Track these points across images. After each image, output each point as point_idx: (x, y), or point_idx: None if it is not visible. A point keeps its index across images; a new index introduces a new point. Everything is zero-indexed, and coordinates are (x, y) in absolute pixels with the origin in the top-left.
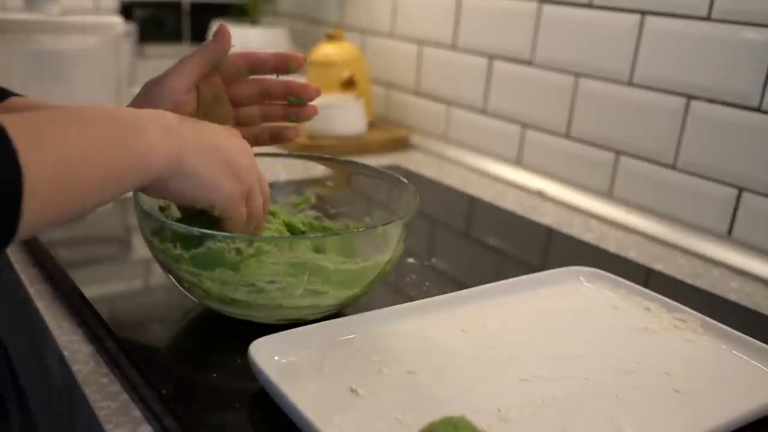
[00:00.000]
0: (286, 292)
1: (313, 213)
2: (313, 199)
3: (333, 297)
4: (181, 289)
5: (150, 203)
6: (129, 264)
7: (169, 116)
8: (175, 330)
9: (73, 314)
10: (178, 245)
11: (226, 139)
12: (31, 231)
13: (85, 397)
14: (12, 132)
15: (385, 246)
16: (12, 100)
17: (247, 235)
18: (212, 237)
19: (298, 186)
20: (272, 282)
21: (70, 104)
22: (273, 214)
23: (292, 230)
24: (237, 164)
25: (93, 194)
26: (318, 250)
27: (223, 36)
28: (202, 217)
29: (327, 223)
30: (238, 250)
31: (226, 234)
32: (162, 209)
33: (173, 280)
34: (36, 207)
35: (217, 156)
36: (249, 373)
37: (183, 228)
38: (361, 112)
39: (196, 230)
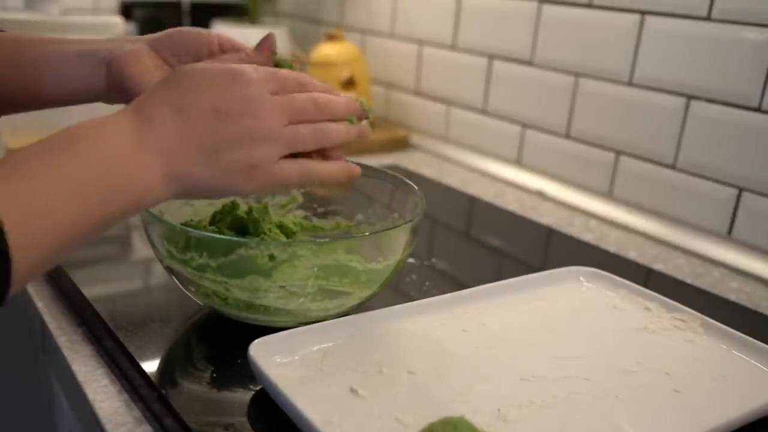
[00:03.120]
0: (316, 295)
1: (300, 213)
2: (300, 199)
3: (357, 297)
4: (191, 296)
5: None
6: (129, 264)
7: (151, 114)
8: (175, 330)
9: (73, 314)
10: (204, 254)
11: (221, 106)
12: (24, 285)
13: (85, 397)
14: None
15: (399, 243)
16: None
17: (281, 240)
18: (244, 244)
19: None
20: (302, 286)
21: (45, 144)
22: (263, 214)
23: (285, 231)
24: (250, 133)
25: (89, 237)
26: (333, 251)
27: (266, 48)
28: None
29: (317, 222)
30: (272, 256)
31: (260, 240)
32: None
33: (180, 286)
34: (26, 273)
35: (220, 146)
36: (249, 373)
37: (212, 237)
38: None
39: (231, 238)
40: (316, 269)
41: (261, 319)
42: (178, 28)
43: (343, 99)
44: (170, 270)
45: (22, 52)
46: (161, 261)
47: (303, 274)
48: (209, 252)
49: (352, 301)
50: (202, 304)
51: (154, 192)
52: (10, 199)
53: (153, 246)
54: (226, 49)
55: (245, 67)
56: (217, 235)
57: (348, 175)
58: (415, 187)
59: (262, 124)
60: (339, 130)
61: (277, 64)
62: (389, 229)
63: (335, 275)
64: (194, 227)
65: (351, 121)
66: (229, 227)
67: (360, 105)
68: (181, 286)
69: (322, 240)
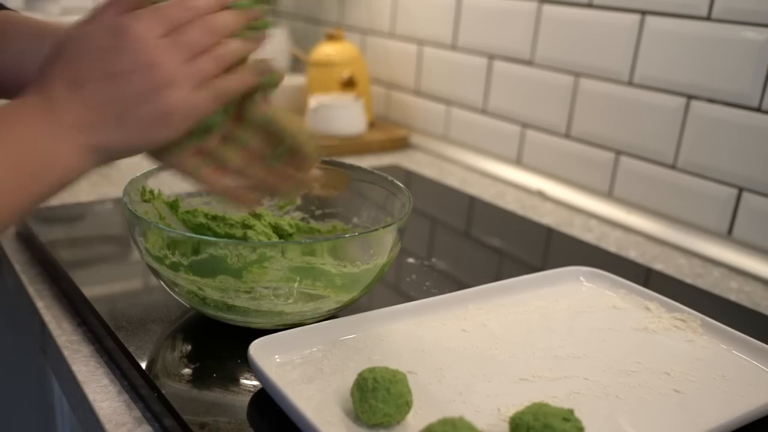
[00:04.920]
0: (288, 298)
1: (298, 214)
2: (298, 201)
3: (334, 301)
4: (174, 296)
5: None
6: (129, 264)
7: (53, 94)
8: (175, 330)
9: (73, 314)
10: (176, 252)
11: (112, 68)
12: None
13: (85, 397)
14: None
15: (384, 247)
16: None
17: (253, 241)
18: (214, 244)
19: None
20: (275, 288)
21: None
22: (258, 216)
23: (279, 232)
24: (150, 84)
25: (17, 217)
26: (309, 253)
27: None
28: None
29: (313, 224)
30: (241, 256)
31: (229, 240)
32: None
33: (164, 286)
34: None
35: (125, 106)
36: (249, 373)
37: (182, 235)
38: (361, 112)
39: (197, 237)
40: (286, 271)
41: (239, 320)
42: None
43: (232, 13)
44: (151, 269)
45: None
46: (143, 260)
47: (273, 275)
48: (180, 250)
49: (330, 305)
50: (185, 304)
51: (75, 167)
52: None
53: (135, 244)
54: None
55: (125, 18)
56: (187, 233)
57: (255, 72)
58: (403, 188)
59: (159, 72)
60: (237, 47)
61: None
62: (363, 233)
63: (308, 278)
64: (168, 225)
65: (254, 28)
66: (233, 226)
67: (253, 10)
68: (165, 286)
69: (293, 242)
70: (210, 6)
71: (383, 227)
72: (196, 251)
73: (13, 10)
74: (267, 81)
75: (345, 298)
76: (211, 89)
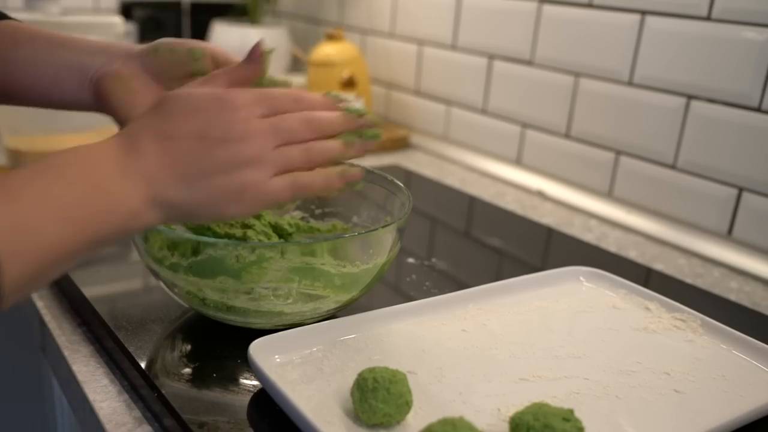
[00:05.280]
0: (287, 298)
1: (298, 213)
2: (298, 200)
3: (333, 301)
4: (174, 297)
5: None
6: (129, 264)
7: (138, 141)
8: (175, 330)
9: (73, 314)
10: (176, 254)
11: (206, 132)
12: (12, 303)
13: (85, 397)
14: None
15: (384, 247)
16: (4, 23)
17: (252, 242)
18: (213, 245)
19: None
20: (274, 288)
21: (35, 171)
22: (258, 215)
23: (279, 232)
24: (236, 157)
25: (77, 258)
26: (309, 253)
27: (256, 59)
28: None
29: (313, 223)
30: (240, 257)
31: (228, 241)
32: None
33: (164, 287)
34: (14, 289)
35: (205, 171)
36: (249, 373)
37: (180, 236)
38: None
39: (196, 238)
40: (285, 272)
41: (238, 320)
42: (170, 40)
43: (339, 115)
44: (150, 270)
45: (22, 51)
46: (143, 260)
47: (272, 276)
48: (180, 251)
49: (329, 305)
50: (185, 304)
51: (140, 217)
52: (1, 219)
53: (135, 245)
54: (220, 63)
55: (233, 91)
56: (185, 234)
57: (342, 180)
58: (403, 187)
59: (248, 148)
60: (332, 148)
61: (266, 84)
62: (358, 234)
63: (307, 278)
64: (168, 226)
65: (360, 135)
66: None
67: (364, 118)
68: (164, 287)
69: (292, 243)
70: (317, 102)
71: (383, 227)
72: (195, 252)
73: (18, 20)
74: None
75: (344, 298)
76: (293, 181)
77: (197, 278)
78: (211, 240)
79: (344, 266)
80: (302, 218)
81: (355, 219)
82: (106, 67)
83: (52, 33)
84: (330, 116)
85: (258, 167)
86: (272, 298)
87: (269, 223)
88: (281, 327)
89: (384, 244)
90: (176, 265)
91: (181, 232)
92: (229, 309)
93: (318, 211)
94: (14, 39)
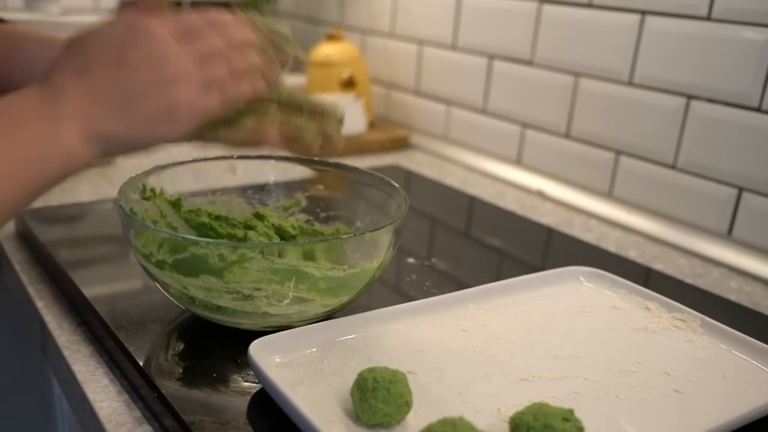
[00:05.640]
0: (272, 300)
1: (303, 216)
2: (304, 203)
3: (320, 304)
4: (167, 295)
5: (134, 204)
6: (129, 264)
7: (59, 82)
8: (175, 330)
9: (73, 314)
10: (161, 250)
11: (124, 58)
12: None
13: (85, 397)
14: None
15: (375, 252)
16: (2, 27)
17: (232, 241)
18: (195, 243)
19: (288, 189)
20: (257, 289)
21: None
22: (261, 217)
23: (282, 234)
24: (160, 77)
25: (19, 206)
26: (308, 256)
27: None
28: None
29: (318, 227)
30: (222, 256)
31: (209, 240)
32: (155, 222)
33: (158, 286)
34: None
35: (132, 96)
36: (249, 373)
37: (166, 233)
38: (361, 112)
39: (179, 235)
40: (268, 272)
41: (226, 320)
42: None
43: (250, 29)
44: (142, 267)
45: (18, 49)
46: (135, 257)
47: (254, 276)
48: (165, 248)
49: (316, 309)
50: (178, 304)
51: (76, 156)
52: None
53: (128, 242)
54: None
55: (144, 18)
56: (166, 230)
57: (266, 81)
58: (400, 189)
59: (169, 67)
60: (252, 58)
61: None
62: (341, 238)
63: (289, 280)
64: (170, 224)
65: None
66: (235, 226)
67: (278, 35)
68: (159, 287)
69: (271, 243)
70: (231, 21)
71: (372, 231)
72: (182, 249)
73: (16, 24)
74: (281, 96)
75: (332, 302)
76: (221, 92)
77: (181, 276)
78: (192, 238)
79: (335, 269)
80: (306, 221)
81: (358, 223)
82: None
83: (49, 35)
84: (243, 32)
85: (184, 84)
86: (256, 299)
87: (273, 225)
88: (270, 329)
89: (378, 248)
90: (162, 263)
91: (168, 230)
92: (219, 309)
93: (323, 215)
94: (13, 41)
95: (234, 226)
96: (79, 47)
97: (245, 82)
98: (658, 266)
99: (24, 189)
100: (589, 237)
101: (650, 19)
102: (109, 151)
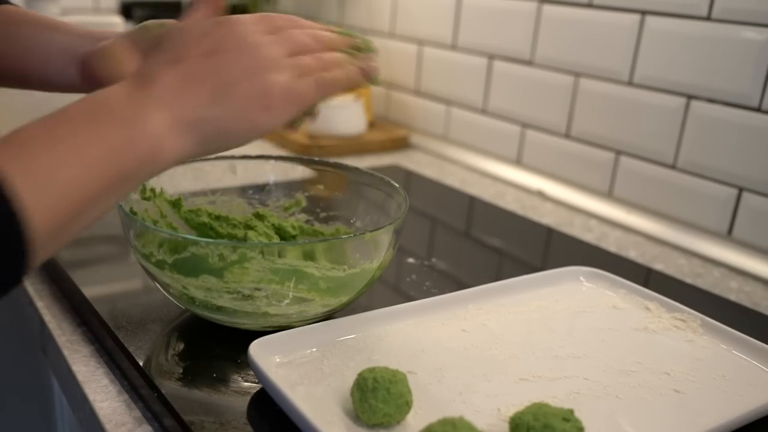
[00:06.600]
0: (272, 300)
1: (303, 216)
2: (304, 203)
3: (320, 304)
4: (167, 295)
5: (134, 204)
6: (129, 264)
7: (149, 73)
8: (175, 330)
9: (73, 314)
10: (161, 250)
11: (216, 47)
12: (44, 259)
13: (85, 397)
14: (7, 171)
15: (375, 252)
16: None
17: (232, 241)
18: (195, 243)
19: (288, 189)
20: (257, 289)
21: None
22: (261, 217)
23: (282, 234)
24: (254, 63)
25: (107, 200)
26: (308, 256)
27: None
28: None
29: (318, 226)
30: (222, 256)
31: (209, 240)
32: (155, 222)
33: (159, 286)
34: (43, 243)
35: (226, 81)
36: (249, 373)
37: (166, 233)
38: (361, 112)
39: (179, 235)
40: (268, 272)
41: (225, 320)
42: (155, 20)
43: (339, 36)
44: (143, 267)
45: (17, 31)
46: (135, 257)
47: (254, 276)
48: (165, 248)
49: (316, 309)
50: (178, 304)
51: (167, 145)
52: (20, 167)
53: (128, 242)
54: None
55: (231, 16)
56: (166, 230)
57: (362, 73)
58: (400, 189)
59: (263, 54)
60: (341, 58)
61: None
62: (341, 238)
63: (289, 280)
64: (170, 224)
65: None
66: (236, 226)
67: (362, 41)
68: (159, 287)
69: (271, 243)
70: (313, 23)
71: (372, 231)
72: (182, 249)
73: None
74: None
75: (332, 302)
76: (317, 79)
77: (181, 276)
78: (192, 238)
79: (335, 269)
80: (306, 221)
81: (358, 224)
82: (94, 46)
83: (47, 18)
84: (329, 32)
85: (278, 69)
86: (256, 299)
87: (273, 225)
88: (270, 329)
89: (378, 248)
90: (162, 263)
91: (168, 230)
92: (219, 309)
93: (323, 215)
94: (9, 22)
95: (234, 226)
96: (170, 40)
97: (338, 71)
98: (658, 266)
99: (107, 176)
100: (589, 237)
101: (650, 19)
102: (204, 142)
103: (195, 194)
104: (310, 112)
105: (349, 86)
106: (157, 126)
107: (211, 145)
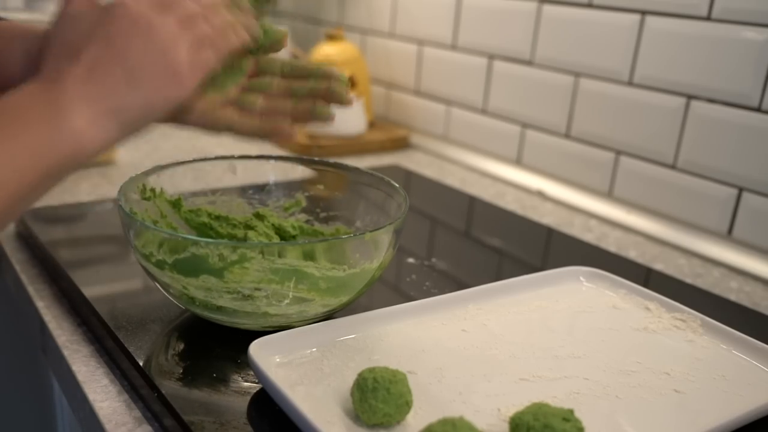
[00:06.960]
0: (272, 300)
1: (303, 216)
2: (304, 203)
3: (320, 304)
4: (167, 295)
5: (134, 205)
6: (129, 264)
7: (53, 70)
8: (175, 330)
9: (73, 314)
10: (161, 250)
11: (110, 33)
12: None
13: (85, 397)
14: None
15: (375, 252)
16: None
17: (232, 241)
18: (195, 243)
19: (288, 189)
20: (257, 289)
21: None
22: (261, 217)
23: (282, 234)
24: (152, 43)
25: (32, 195)
26: (308, 256)
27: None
28: None
29: (318, 227)
30: (222, 256)
31: (209, 240)
32: (155, 222)
33: (158, 286)
34: None
35: (131, 65)
36: (249, 373)
37: (166, 233)
38: (361, 112)
39: (179, 235)
40: (268, 272)
41: (225, 320)
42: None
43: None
44: (143, 267)
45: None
46: (135, 257)
47: (255, 276)
48: (165, 248)
49: (317, 309)
50: (178, 304)
51: (90, 137)
52: None
53: (128, 242)
54: None
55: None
56: (166, 230)
57: (247, 36)
58: (400, 189)
59: (158, 34)
60: (230, 20)
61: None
62: (341, 238)
63: (289, 280)
64: (170, 224)
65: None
66: (236, 226)
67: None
68: (159, 287)
69: (271, 243)
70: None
71: (372, 231)
72: (182, 249)
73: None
74: (268, 38)
75: (332, 302)
76: (212, 46)
77: (181, 276)
78: (192, 238)
79: (335, 269)
80: (306, 221)
81: (358, 223)
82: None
83: (26, 24)
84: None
85: (176, 45)
86: (257, 299)
87: (273, 225)
88: (270, 329)
89: (378, 248)
90: (162, 263)
91: (168, 230)
92: (219, 309)
93: (323, 215)
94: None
95: (234, 226)
96: (59, 36)
97: (230, 34)
98: (658, 266)
99: (33, 182)
100: (589, 237)
101: (650, 19)
102: (126, 126)
103: (195, 194)
104: (234, 70)
105: (241, 46)
106: (77, 121)
107: (135, 124)
